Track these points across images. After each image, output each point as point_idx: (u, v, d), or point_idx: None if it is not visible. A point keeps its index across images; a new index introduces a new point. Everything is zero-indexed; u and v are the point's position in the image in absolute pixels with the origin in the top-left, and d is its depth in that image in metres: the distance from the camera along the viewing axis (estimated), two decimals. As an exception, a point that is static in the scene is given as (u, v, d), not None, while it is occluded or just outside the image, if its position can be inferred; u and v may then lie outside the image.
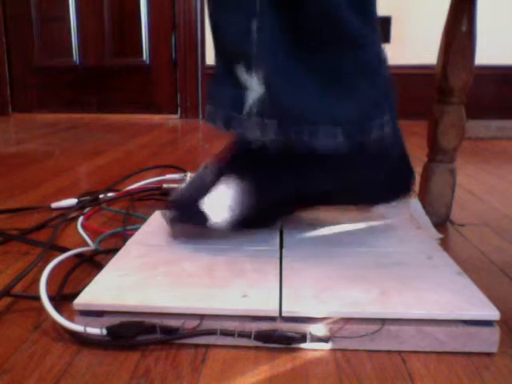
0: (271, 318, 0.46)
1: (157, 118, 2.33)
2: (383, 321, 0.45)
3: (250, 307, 0.46)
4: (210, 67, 2.26)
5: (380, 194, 0.63)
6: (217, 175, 0.60)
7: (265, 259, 0.56)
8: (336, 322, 0.45)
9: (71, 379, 0.41)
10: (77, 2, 2.30)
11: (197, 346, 0.46)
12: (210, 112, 0.58)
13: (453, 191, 0.80)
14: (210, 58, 2.25)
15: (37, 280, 0.55)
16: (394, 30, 2.10)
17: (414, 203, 0.78)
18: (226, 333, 0.45)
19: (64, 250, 0.65)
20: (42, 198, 0.96)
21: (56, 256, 0.60)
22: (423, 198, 0.81)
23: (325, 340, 0.45)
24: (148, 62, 2.33)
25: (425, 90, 2.02)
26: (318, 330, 0.45)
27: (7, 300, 0.54)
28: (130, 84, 2.35)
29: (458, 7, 0.74)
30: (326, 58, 0.51)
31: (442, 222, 0.80)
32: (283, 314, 0.46)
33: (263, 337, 0.45)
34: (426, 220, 0.73)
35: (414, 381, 0.41)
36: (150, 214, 0.73)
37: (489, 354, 0.44)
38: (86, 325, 0.45)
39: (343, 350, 0.45)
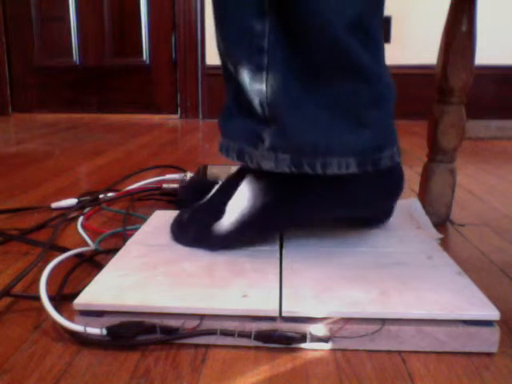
0: (271, 318, 0.46)
1: (157, 117, 2.33)
2: (383, 321, 0.45)
3: (250, 307, 0.46)
4: (210, 67, 2.26)
5: (373, 218, 0.64)
6: (228, 196, 0.60)
7: (265, 259, 0.56)
8: (336, 321, 0.45)
9: (71, 379, 0.41)
10: (77, 2, 2.30)
11: (197, 346, 0.46)
12: (222, 144, 0.59)
13: (453, 191, 0.80)
14: (210, 58, 2.26)
15: (37, 280, 0.55)
16: (394, 30, 2.10)
17: (414, 203, 0.78)
18: (225, 333, 0.45)
19: (64, 249, 0.65)
20: (42, 198, 0.96)
21: (56, 256, 0.60)
22: (423, 198, 0.81)
23: (325, 340, 0.45)
24: (148, 62, 2.33)
25: (425, 90, 2.02)
26: (318, 329, 0.45)
27: (7, 300, 0.54)
28: (130, 84, 2.35)
29: (458, 7, 0.74)
30: (336, 91, 0.51)
31: (442, 222, 0.80)
32: (283, 314, 0.46)
33: (263, 337, 0.45)
34: (426, 220, 0.73)
35: (414, 381, 0.41)
36: (150, 214, 0.73)
37: (489, 354, 0.44)
38: (86, 325, 0.45)
39: (343, 350, 0.45)
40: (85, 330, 0.45)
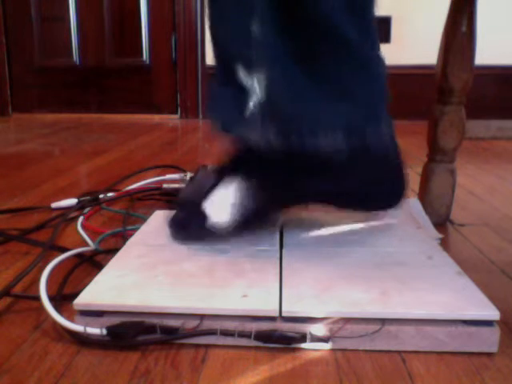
0: (271, 318, 0.46)
1: (157, 117, 2.33)
2: (383, 321, 0.45)
3: (249, 307, 0.46)
4: (210, 67, 2.25)
5: (376, 201, 0.63)
6: (217, 177, 0.60)
7: (265, 259, 0.56)
8: (336, 321, 0.45)
9: (71, 379, 0.41)
10: (77, 2, 2.30)
11: (197, 346, 0.46)
12: (210, 114, 0.59)
13: (453, 191, 0.80)
14: (210, 58, 2.25)
15: (37, 280, 0.55)
16: (394, 30, 2.10)
17: (414, 203, 0.78)
18: (226, 333, 0.45)
19: (64, 249, 0.65)
20: (42, 197, 0.96)
21: (56, 256, 0.60)
22: (423, 198, 0.81)
23: (325, 340, 0.45)
24: (148, 62, 2.33)
25: (425, 90, 2.02)
26: (318, 330, 0.45)
27: (7, 300, 0.54)
28: (130, 84, 2.35)
29: (458, 7, 0.74)
30: (324, 63, 0.52)
31: (442, 222, 0.80)
32: (283, 314, 0.46)
33: (263, 337, 0.45)
34: (426, 220, 0.73)
35: (414, 381, 0.41)
36: (150, 214, 0.73)
37: (489, 354, 0.44)
38: (86, 325, 0.45)
39: (343, 350, 0.45)
40: (85, 329, 0.45)
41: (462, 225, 0.80)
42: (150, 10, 2.28)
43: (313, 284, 0.50)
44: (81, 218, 0.80)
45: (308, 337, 0.45)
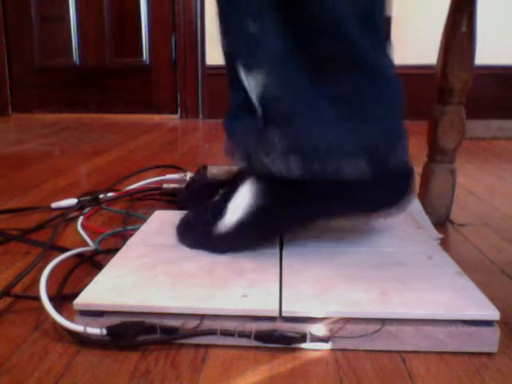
0: (271, 318, 0.46)
1: (157, 117, 2.32)
2: (383, 321, 0.45)
3: (249, 307, 0.46)
4: (210, 67, 2.25)
5: (379, 204, 0.63)
6: (230, 197, 0.59)
7: (265, 259, 0.56)
8: (336, 321, 0.45)
9: (71, 379, 0.41)
10: (77, 2, 2.30)
11: (197, 346, 0.46)
12: (228, 147, 0.58)
13: (453, 191, 0.80)
14: (210, 58, 2.25)
15: (37, 280, 0.55)
16: (394, 30, 2.09)
17: (414, 203, 0.78)
18: (226, 333, 0.45)
19: (64, 249, 0.65)
20: (42, 197, 0.96)
21: (56, 256, 0.60)
22: (423, 198, 0.81)
23: (325, 340, 0.45)
24: (148, 62, 2.33)
25: (425, 90, 2.02)
26: (318, 330, 0.45)
27: (7, 300, 0.54)
28: (129, 84, 2.35)
29: (458, 7, 0.74)
30: (343, 86, 0.50)
31: (441, 222, 0.80)
32: (283, 314, 0.46)
33: (263, 337, 0.45)
34: (426, 220, 0.73)
35: (414, 381, 0.41)
36: (150, 214, 0.73)
37: (489, 354, 0.44)
38: (86, 325, 0.45)
39: (343, 350, 0.45)
40: (85, 329, 0.45)
41: (461, 225, 0.80)
42: (150, 9, 2.28)
43: (313, 284, 0.50)
44: (81, 218, 0.80)
45: (308, 337, 0.45)
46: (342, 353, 0.45)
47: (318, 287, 0.49)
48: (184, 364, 0.43)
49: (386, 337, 0.45)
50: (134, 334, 0.45)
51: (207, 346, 0.46)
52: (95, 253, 0.66)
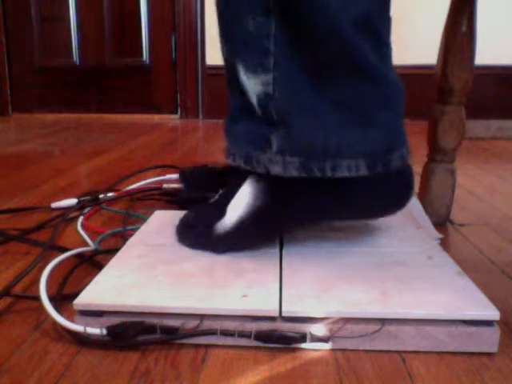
0: (271, 318, 0.46)
1: (157, 117, 2.32)
2: (383, 321, 0.45)
3: (249, 307, 0.46)
4: (210, 67, 2.25)
5: (381, 208, 0.63)
6: (230, 197, 0.59)
7: (265, 259, 0.56)
8: (336, 321, 0.45)
9: (71, 379, 0.41)
10: (77, 2, 2.30)
11: (197, 346, 0.46)
12: (228, 150, 0.58)
13: (453, 191, 0.80)
14: (210, 58, 2.25)
15: (37, 280, 0.55)
16: (394, 30, 2.09)
17: (414, 203, 0.78)
18: (226, 333, 0.45)
19: (64, 250, 0.65)
20: (42, 197, 0.96)
21: (56, 256, 0.60)
22: (423, 198, 0.81)
23: (325, 340, 0.45)
24: (148, 62, 2.33)
25: (425, 90, 2.02)
26: (318, 329, 0.45)
27: (7, 300, 0.54)
28: (130, 84, 2.35)
29: (458, 7, 0.74)
30: (344, 91, 0.50)
31: (441, 222, 0.80)
32: (283, 314, 0.46)
33: (263, 337, 0.45)
34: (426, 220, 0.73)
35: (414, 381, 0.41)
36: (150, 214, 0.73)
37: (489, 354, 0.44)
38: (86, 325, 0.45)
39: (343, 350, 0.45)
40: (85, 329, 0.45)
41: (462, 225, 0.80)
42: (150, 9, 2.28)
43: (313, 284, 0.50)
44: (81, 218, 0.80)
45: (308, 337, 0.45)
46: (342, 353, 0.45)
47: (318, 287, 0.49)
48: (184, 364, 0.43)
49: (386, 337, 0.45)
50: (133, 333, 0.45)
51: (207, 346, 0.46)
52: (95, 253, 0.66)
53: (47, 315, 0.47)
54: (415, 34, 2.10)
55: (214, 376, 0.42)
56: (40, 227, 0.77)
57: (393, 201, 0.57)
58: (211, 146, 1.59)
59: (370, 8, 0.48)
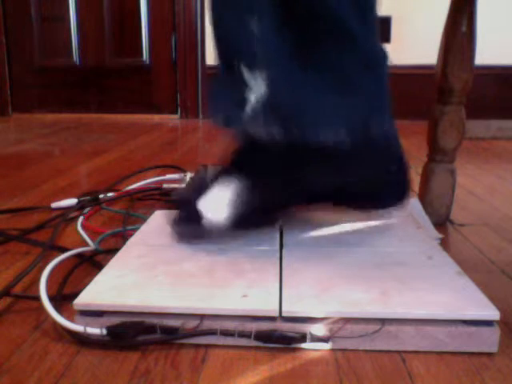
0: (271, 318, 0.46)
1: (157, 117, 2.32)
2: (383, 321, 0.45)
3: (249, 307, 0.46)
4: (210, 67, 2.26)
5: (378, 199, 0.63)
6: (217, 174, 0.60)
7: (265, 259, 0.56)
8: (336, 321, 0.45)
9: (71, 379, 0.41)
10: (77, 2, 2.30)
11: (197, 346, 0.46)
12: (211, 110, 0.58)
13: (453, 191, 0.80)
14: (210, 58, 2.25)
15: (37, 280, 0.55)
16: (394, 29, 2.10)
17: (414, 203, 0.78)
18: (226, 333, 0.45)
19: (64, 249, 0.65)
20: (42, 197, 0.96)
21: (56, 256, 0.60)
22: (423, 198, 0.81)
23: (325, 340, 0.45)
24: (148, 62, 2.33)
25: (425, 90, 2.02)
26: (318, 330, 0.45)
27: (7, 300, 0.54)
28: (129, 84, 2.35)
29: (458, 7, 0.74)
30: (326, 56, 0.51)
31: (441, 222, 0.80)
32: (283, 314, 0.46)
33: (263, 337, 0.45)
34: (426, 220, 0.73)
35: (414, 381, 0.41)
36: (150, 214, 0.73)
37: (489, 354, 0.44)
38: (86, 325, 0.45)
39: (343, 350, 0.45)
40: (85, 329, 0.45)
41: (461, 225, 0.80)
42: (150, 9, 2.28)
43: (313, 284, 0.50)
44: (81, 218, 0.80)
45: (308, 337, 0.45)
46: (342, 353, 0.45)
47: (318, 287, 0.49)
48: (184, 364, 0.43)
49: (386, 337, 0.45)
50: (134, 333, 0.45)
51: (207, 346, 0.46)
52: (95, 253, 0.66)
53: (47, 315, 0.47)
54: (415, 34, 2.10)
55: (214, 376, 0.42)
56: (40, 227, 0.77)
57: (389, 196, 0.57)
58: (212, 146, 1.59)
59: None
